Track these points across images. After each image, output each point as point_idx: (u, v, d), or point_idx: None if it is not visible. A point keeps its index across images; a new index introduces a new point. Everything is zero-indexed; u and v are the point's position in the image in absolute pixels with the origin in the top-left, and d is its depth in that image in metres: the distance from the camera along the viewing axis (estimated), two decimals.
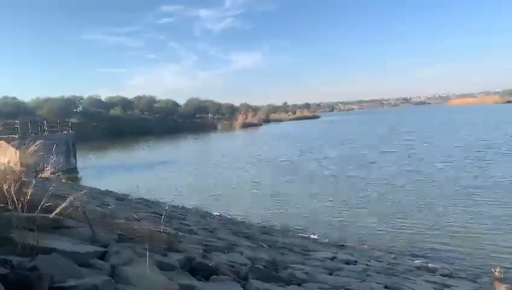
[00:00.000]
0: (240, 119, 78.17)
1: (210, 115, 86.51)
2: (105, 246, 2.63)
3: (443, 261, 7.86)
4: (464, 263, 7.74)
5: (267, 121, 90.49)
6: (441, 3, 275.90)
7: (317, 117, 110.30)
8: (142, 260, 2.38)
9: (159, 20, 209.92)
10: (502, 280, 3.62)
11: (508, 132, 30.48)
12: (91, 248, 2.41)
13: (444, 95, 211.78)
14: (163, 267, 2.53)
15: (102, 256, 2.42)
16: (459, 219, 10.36)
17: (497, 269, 3.92)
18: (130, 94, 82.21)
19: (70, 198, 2.73)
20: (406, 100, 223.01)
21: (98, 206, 6.09)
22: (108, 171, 24.31)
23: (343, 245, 8.74)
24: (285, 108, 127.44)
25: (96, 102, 70.73)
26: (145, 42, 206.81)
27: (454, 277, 6.56)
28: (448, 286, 5.55)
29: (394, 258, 7.78)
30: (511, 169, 16.25)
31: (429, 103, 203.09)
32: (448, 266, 7.47)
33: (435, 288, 5.27)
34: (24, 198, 2.63)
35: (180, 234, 4.22)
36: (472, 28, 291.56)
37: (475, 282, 6.18)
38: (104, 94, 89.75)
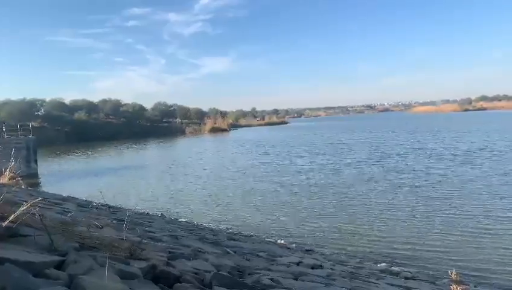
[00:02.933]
0: (209, 124, 77.72)
1: (178, 119, 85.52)
2: (64, 255, 2.54)
3: (405, 264, 8.09)
4: (425, 265, 7.99)
5: (236, 126, 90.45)
6: (404, 16, 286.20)
7: (286, 123, 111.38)
8: (102, 269, 2.31)
9: (126, 22, 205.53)
10: (458, 282, 3.79)
11: (466, 140, 31.86)
12: (48, 257, 2.32)
13: (407, 103, 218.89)
14: (124, 276, 2.46)
15: (60, 265, 2.33)
16: (421, 223, 10.70)
17: (454, 272, 4.11)
18: (97, 98, 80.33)
19: (27, 204, 2.62)
20: (370, 107, 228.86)
21: (59, 213, 5.87)
22: (71, 177, 23.56)
23: (309, 250, 8.83)
24: (254, 113, 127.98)
25: (59, 105, 68.41)
26: (112, 45, 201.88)
27: (415, 279, 6.77)
28: (409, 288, 5.71)
29: (359, 262, 7.94)
30: (469, 175, 16.96)
31: (393, 110, 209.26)
32: (410, 269, 7.68)
33: None
34: None
35: (144, 241, 4.14)
36: (433, 39, 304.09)
37: (435, 284, 6.39)
38: (70, 97, 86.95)
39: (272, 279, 3.91)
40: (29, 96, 65.85)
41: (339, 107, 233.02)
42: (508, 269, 7.54)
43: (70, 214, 5.32)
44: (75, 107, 70.18)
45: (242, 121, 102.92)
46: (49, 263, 2.23)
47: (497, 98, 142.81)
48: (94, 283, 2.00)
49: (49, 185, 19.61)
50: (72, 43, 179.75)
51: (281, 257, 6.54)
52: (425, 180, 16.25)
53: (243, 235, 9.80)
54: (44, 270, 2.08)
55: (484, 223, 10.34)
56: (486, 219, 10.68)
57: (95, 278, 2.09)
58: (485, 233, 9.60)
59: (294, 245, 9.29)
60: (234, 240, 8.08)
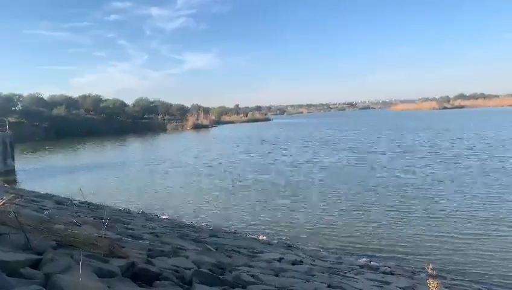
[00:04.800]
0: (191, 120, 77.10)
1: (160, 115, 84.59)
2: (41, 254, 2.50)
3: (384, 259, 8.23)
4: (403, 260, 8.15)
5: (218, 122, 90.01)
6: (385, 15, 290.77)
7: (269, 120, 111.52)
8: (80, 268, 2.28)
9: (107, 16, 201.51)
10: (434, 276, 3.90)
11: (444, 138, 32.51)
12: (23, 256, 2.27)
13: (387, 101, 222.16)
14: (103, 274, 2.44)
15: (36, 264, 2.29)
16: (399, 220, 10.90)
17: (430, 266, 4.22)
18: (77, 93, 78.78)
19: (0, 202, 2.57)
20: (351, 105, 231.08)
21: (36, 210, 5.76)
22: (49, 174, 23.08)
23: (290, 246, 8.90)
24: (236, 110, 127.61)
25: (37, 100, 66.79)
26: (93, 39, 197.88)
27: (394, 274, 6.90)
28: (388, 283, 5.81)
29: (338, 258, 8.05)
30: (446, 173, 17.35)
31: (373, 108, 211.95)
32: (389, 264, 7.83)
33: (376, 285, 5.50)
34: None
35: (123, 238, 4.12)
36: (413, 38, 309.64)
37: (412, 278, 6.53)
38: (48, 92, 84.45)
39: (252, 275, 3.93)
40: (5, 91, 64.25)
41: (320, 105, 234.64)
42: (482, 263, 7.77)
43: (47, 212, 5.24)
44: (54, 102, 68.64)
45: (225, 118, 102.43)
46: (25, 262, 2.19)
47: (474, 97, 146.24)
48: (71, 282, 1.98)
49: (27, 182, 19.19)
50: (52, 37, 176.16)
51: (262, 253, 6.58)
52: (404, 178, 16.53)
53: (224, 232, 9.80)
54: (20, 270, 2.04)
55: (460, 219, 10.61)
56: (462, 215, 10.96)
57: (72, 277, 2.06)
58: (460, 229, 9.84)
59: (275, 241, 9.34)
60: (216, 236, 8.08)
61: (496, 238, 9.01)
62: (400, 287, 5.55)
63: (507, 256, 8.03)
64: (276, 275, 4.49)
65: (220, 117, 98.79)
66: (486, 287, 6.60)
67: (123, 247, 3.40)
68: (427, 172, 17.48)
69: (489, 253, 8.23)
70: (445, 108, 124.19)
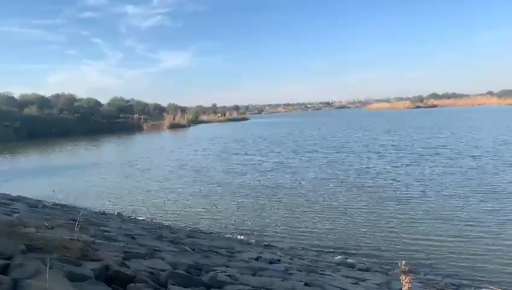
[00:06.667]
0: (167, 120, 76.26)
1: (135, 115, 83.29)
2: (9, 259, 2.42)
3: (361, 256, 8.36)
4: (379, 257, 8.29)
5: (196, 122, 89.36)
6: (358, 16, 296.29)
7: (246, 119, 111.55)
8: (51, 272, 2.22)
9: (81, 14, 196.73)
10: (406, 272, 3.99)
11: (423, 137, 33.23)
12: None
13: (363, 100, 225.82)
14: (75, 278, 2.38)
15: (4, 269, 2.22)
16: (375, 218, 11.09)
17: (404, 263, 4.32)
18: (49, 92, 76.63)
19: None
20: (328, 104, 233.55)
21: (6, 214, 5.58)
22: (21, 176, 22.40)
23: (268, 245, 8.93)
24: (214, 110, 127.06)
25: (8, 100, 64.74)
26: (66, 37, 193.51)
27: (369, 271, 7.01)
28: (364, 280, 5.91)
29: (316, 255, 8.13)
30: (418, 172, 17.75)
31: (349, 107, 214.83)
32: (365, 261, 7.96)
33: (352, 282, 5.58)
34: None
35: (98, 241, 4.03)
36: (388, 39, 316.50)
37: (387, 275, 6.65)
38: (19, 91, 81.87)
39: (229, 275, 3.92)
40: None
41: (297, 104, 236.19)
42: (454, 259, 7.99)
43: (17, 215, 5.08)
44: (25, 101, 66.66)
45: (202, 117, 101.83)
46: None
47: (446, 96, 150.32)
48: (40, 288, 1.92)
49: None
50: (22, 34, 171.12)
51: (240, 252, 6.57)
52: (378, 178, 16.82)
53: (202, 232, 9.75)
54: None
55: (434, 218, 10.86)
56: (435, 214, 11.22)
57: (42, 282, 2.00)
58: (434, 227, 10.09)
59: (254, 240, 9.35)
60: (193, 237, 8.02)
61: (467, 237, 9.27)
62: (375, 284, 5.64)
63: (477, 253, 8.28)
64: (254, 275, 4.50)
65: (197, 116, 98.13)
66: (457, 281, 6.79)
67: (97, 250, 3.33)
68: (400, 171, 17.84)
69: (461, 250, 8.47)
70: (418, 107, 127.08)
